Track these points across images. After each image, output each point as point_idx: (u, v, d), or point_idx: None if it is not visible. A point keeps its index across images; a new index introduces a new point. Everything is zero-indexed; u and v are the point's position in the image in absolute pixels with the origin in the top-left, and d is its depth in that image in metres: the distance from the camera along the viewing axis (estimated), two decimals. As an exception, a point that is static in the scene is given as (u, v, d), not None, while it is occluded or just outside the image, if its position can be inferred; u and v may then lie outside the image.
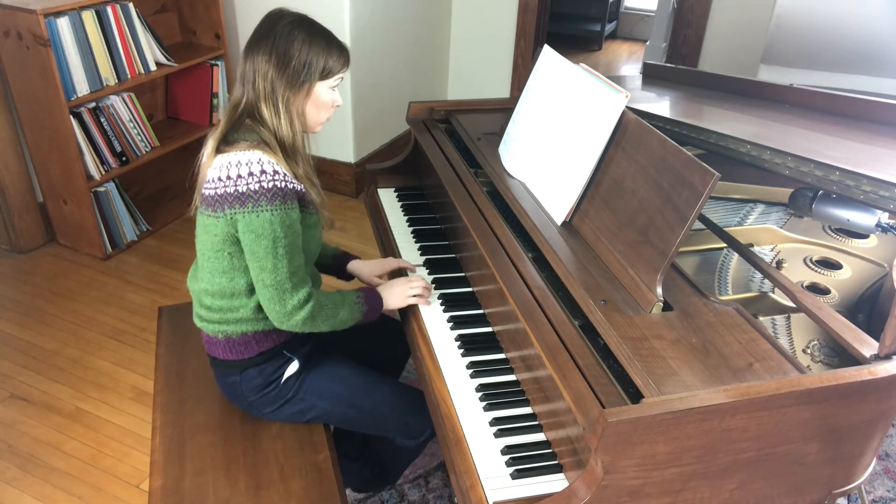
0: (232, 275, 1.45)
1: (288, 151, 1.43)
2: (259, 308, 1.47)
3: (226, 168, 1.38)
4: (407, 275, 1.72)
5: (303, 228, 1.44)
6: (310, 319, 1.44)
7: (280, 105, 1.42)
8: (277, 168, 1.38)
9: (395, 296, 1.59)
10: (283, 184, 1.37)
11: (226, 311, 1.48)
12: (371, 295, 1.57)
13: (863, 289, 1.58)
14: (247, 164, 1.36)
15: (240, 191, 1.36)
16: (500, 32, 3.92)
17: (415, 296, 1.60)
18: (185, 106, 3.44)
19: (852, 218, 1.55)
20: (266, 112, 1.42)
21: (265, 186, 1.35)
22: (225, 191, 1.37)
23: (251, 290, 1.46)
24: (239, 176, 1.36)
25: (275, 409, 1.55)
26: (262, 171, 1.36)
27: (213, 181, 1.39)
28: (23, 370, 2.40)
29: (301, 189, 1.43)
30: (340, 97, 1.52)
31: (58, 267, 2.96)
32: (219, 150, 1.41)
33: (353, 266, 1.79)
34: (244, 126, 1.42)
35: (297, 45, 1.41)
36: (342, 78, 1.49)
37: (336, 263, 1.79)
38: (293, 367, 1.55)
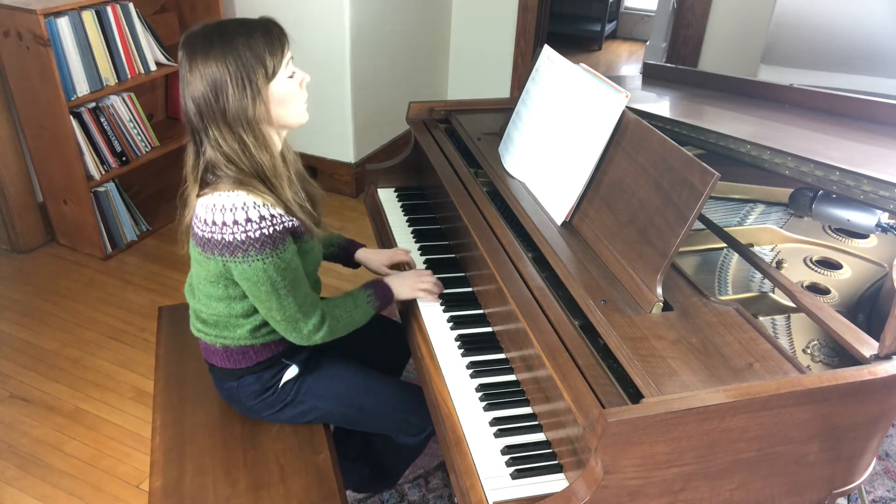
0: (228, 302, 1.43)
1: (270, 179, 1.33)
2: (256, 328, 1.46)
3: (211, 211, 1.31)
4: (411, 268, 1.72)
5: (300, 255, 1.41)
6: (329, 334, 1.46)
7: (245, 134, 1.30)
8: (264, 212, 1.30)
9: (406, 287, 1.59)
10: (272, 229, 1.30)
11: (223, 329, 1.48)
12: (381, 288, 1.56)
13: (863, 289, 1.58)
14: (231, 211, 1.29)
15: (227, 240, 1.30)
16: (500, 32, 3.92)
17: (424, 290, 1.59)
18: (185, 106, 3.44)
19: (852, 218, 1.55)
20: (230, 150, 1.30)
21: (252, 237, 1.29)
22: (212, 236, 1.32)
23: (248, 314, 1.44)
24: (224, 224, 1.29)
25: (274, 412, 1.55)
26: (248, 220, 1.29)
27: (201, 221, 1.33)
28: (23, 370, 2.40)
29: (292, 224, 1.36)
30: (305, 73, 1.36)
31: (58, 267, 2.96)
32: (198, 194, 1.34)
33: (362, 256, 1.78)
34: (218, 172, 1.32)
35: (224, 64, 1.26)
36: (292, 57, 1.34)
37: (343, 252, 1.78)
38: (291, 371, 1.54)
